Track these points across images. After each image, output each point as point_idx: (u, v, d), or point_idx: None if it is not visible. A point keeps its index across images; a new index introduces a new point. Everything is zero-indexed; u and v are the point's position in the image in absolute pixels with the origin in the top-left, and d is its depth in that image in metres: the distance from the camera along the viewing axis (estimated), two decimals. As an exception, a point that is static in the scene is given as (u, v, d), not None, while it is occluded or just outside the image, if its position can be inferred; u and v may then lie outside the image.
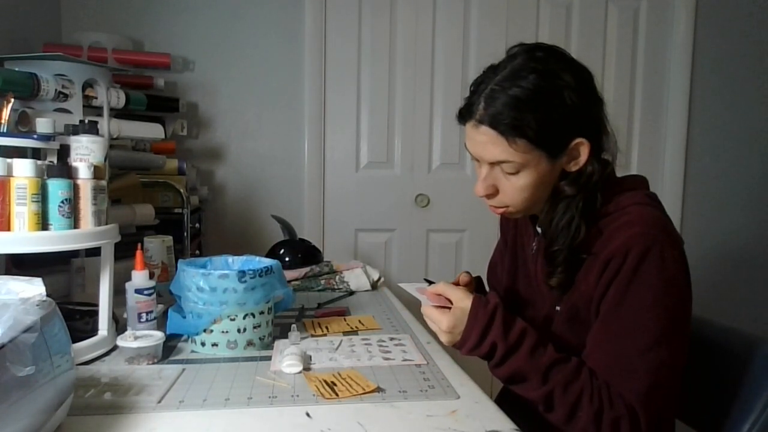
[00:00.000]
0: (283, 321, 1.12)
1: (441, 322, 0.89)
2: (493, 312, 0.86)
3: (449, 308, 0.90)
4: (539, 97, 0.82)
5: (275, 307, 1.04)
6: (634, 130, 2.33)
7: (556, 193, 0.89)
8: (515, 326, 0.86)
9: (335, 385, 0.81)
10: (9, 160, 0.82)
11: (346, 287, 1.50)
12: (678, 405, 0.96)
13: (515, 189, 0.88)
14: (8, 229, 0.83)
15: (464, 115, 0.88)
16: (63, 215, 0.87)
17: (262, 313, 0.99)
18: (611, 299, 0.83)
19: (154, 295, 1.02)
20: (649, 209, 0.86)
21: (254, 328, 0.98)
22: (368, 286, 1.51)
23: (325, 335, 1.07)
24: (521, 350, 0.85)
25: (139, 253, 1.02)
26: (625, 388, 0.81)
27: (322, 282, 1.51)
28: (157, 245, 1.23)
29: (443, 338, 0.91)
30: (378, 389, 0.81)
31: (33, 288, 0.64)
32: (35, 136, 0.89)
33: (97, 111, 1.11)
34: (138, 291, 0.99)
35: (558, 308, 0.92)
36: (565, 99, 0.83)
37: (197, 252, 1.77)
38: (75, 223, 0.89)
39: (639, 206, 0.86)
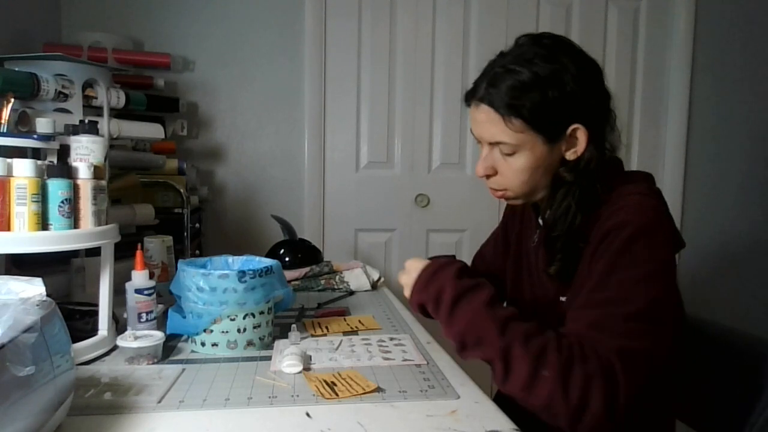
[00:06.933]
0: (283, 321, 1.12)
1: (410, 263, 0.94)
2: (452, 262, 0.88)
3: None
4: (539, 79, 0.84)
5: (275, 307, 1.04)
6: (634, 130, 2.33)
7: (556, 181, 0.91)
8: (473, 277, 0.87)
9: (335, 385, 0.81)
10: (9, 160, 0.82)
11: (346, 287, 1.49)
12: (678, 405, 0.96)
13: (512, 171, 0.90)
14: (8, 229, 0.83)
15: (468, 96, 0.92)
16: (63, 215, 0.86)
17: (262, 313, 0.99)
18: (600, 269, 0.81)
19: (154, 295, 1.02)
20: (648, 200, 0.85)
21: (254, 328, 0.98)
22: (368, 286, 1.51)
23: (325, 335, 1.07)
24: (475, 297, 0.82)
25: (139, 253, 1.02)
26: (604, 344, 0.74)
27: (322, 282, 1.51)
28: (157, 245, 1.23)
29: (401, 279, 0.95)
30: (378, 389, 0.81)
31: (33, 288, 0.64)
32: (35, 136, 0.89)
33: (97, 111, 1.11)
34: (138, 291, 0.99)
35: (562, 299, 0.92)
36: (565, 85, 0.85)
37: (197, 252, 1.77)
38: (75, 223, 0.89)
39: (639, 196, 0.85)
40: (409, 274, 0.93)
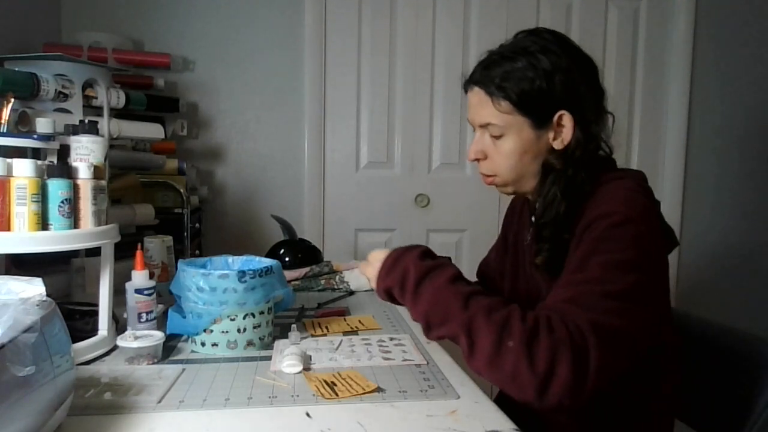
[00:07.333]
0: (283, 321, 1.12)
1: (373, 255, 0.94)
2: (415, 246, 0.89)
3: None
4: (530, 66, 0.88)
5: (275, 307, 1.04)
6: (634, 130, 2.33)
7: (545, 170, 0.92)
8: (436, 259, 0.87)
9: (335, 385, 0.81)
10: (9, 160, 0.82)
11: (346, 287, 1.49)
12: (678, 405, 0.96)
13: (500, 155, 0.93)
14: (8, 229, 0.83)
15: (466, 82, 0.96)
16: (63, 215, 0.86)
17: (262, 313, 0.99)
18: (582, 253, 0.80)
19: (154, 295, 1.02)
20: (637, 195, 0.84)
21: (254, 328, 0.98)
22: (368, 286, 1.50)
23: (325, 335, 1.07)
24: (438, 276, 0.81)
25: (139, 253, 1.02)
26: (578, 317, 0.72)
27: (322, 282, 1.51)
28: (157, 245, 1.23)
29: (366, 271, 0.94)
30: (378, 389, 0.81)
31: (33, 288, 0.64)
32: (35, 136, 0.89)
33: (97, 111, 1.11)
34: (138, 291, 0.99)
35: None
36: (555, 73, 0.87)
37: (197, 252, 1.77)
38: (75, 223, 0.89)
39: (628, 192, 0.85)
40: (372, 264, 0.92)
